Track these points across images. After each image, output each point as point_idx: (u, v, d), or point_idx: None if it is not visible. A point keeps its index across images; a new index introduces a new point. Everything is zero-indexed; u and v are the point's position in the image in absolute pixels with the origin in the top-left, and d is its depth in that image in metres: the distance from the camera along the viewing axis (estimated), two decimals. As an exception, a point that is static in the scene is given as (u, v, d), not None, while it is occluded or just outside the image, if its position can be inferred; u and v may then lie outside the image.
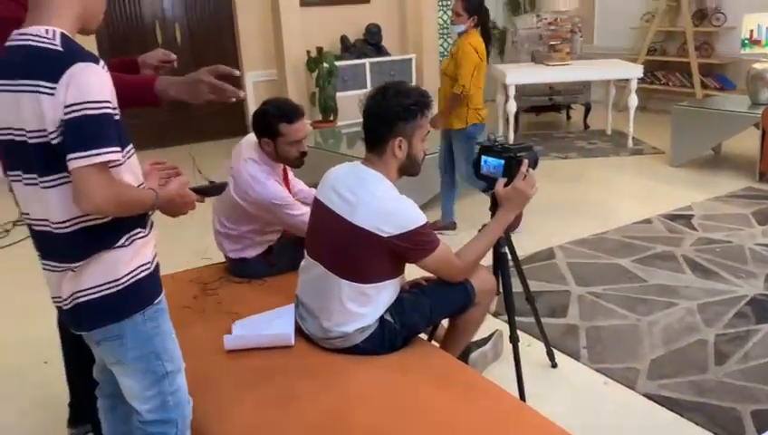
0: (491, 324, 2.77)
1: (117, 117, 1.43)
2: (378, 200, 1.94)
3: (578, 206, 4.65)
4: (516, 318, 2.70)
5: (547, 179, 5.21)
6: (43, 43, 1.36)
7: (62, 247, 1.46)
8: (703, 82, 7.02)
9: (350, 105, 7.23)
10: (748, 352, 2.67)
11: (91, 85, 1.34)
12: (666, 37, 7.60)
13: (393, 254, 1.98)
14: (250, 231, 2.62)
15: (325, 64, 6.84)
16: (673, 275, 3.42)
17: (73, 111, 1.32)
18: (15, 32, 1.40)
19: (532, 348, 2.78)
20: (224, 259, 2.74)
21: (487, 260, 2.26)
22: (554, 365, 2.65)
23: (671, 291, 3.24)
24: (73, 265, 1.46)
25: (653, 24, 7.30)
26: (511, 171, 2.13)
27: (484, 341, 2.63)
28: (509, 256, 2.34)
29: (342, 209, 1.96)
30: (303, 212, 2.48)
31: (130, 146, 1.52)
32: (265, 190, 2.49)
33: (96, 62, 1.38)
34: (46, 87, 1.33)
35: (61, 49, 1.35)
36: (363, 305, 2.00)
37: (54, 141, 1.36)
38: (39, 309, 2.52)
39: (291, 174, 2.82)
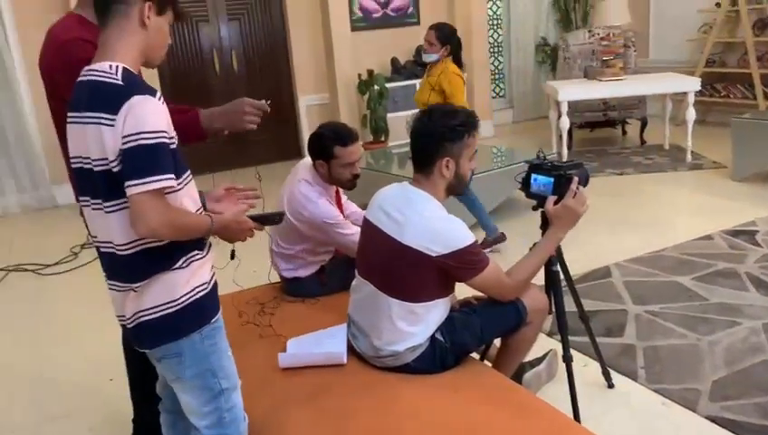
0: (545, 344, 2.75)
1: (173, 146, 1.51)
2: (426, 220, 1.97)
3: (635, 222, 4.56)
4: (571, 338, 2.67)
5: (603, 196, 5.14)
6: (105, 77, 1.46)
7: (124, 268, 1.54)
8: (765, 92, 6.79)
9: (401, 126, 7.29)
10: (818, 373, 2.56)
11: (147, 116, 1.43)
12: (725, 48, 7.40)
13: (442, 273, 1.99)
14: (303, 251, 2.69)
15: (376, 86, 6.95)
16: (736, 293, 3.30)
17: (130, 141, 1.41)
18: (85, 68, 1.52)
19: (587, 368, 2.73)
20: (278, 279, 2.82)
21: (539, 279, 2.25)
22: (611, 385, 2.60)
23: (734, 310, 3.13)
24: (134, 285, 1.54)
25: (711, 35, 7.13)
26: (561, 189, 2.12)
27: (538, 360, 2.60)
28: (561, 275, 2.32)
29: (391, 229, 2.00)
30: (354, 232, 2.54)
31: (188, 173, 1.60)
32: (317, 209, 2.57)
33: (153, 94, 1.47)
34: (107, 118, 1.43)
35: (121, 83, 1.45)
36: (413, 324, 2.02)
37: (115, 169, 1.45)
38: (105, 328, 2.65)
39: (344, 197, 2.89)
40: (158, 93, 1.50)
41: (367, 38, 7.47)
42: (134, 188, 1.41)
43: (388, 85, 7.14)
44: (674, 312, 3.16)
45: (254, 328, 2.43)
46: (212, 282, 1.65)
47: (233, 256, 1.85)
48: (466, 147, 2.02)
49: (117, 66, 1.47)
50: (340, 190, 2.83)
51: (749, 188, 5.07)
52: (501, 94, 8.89)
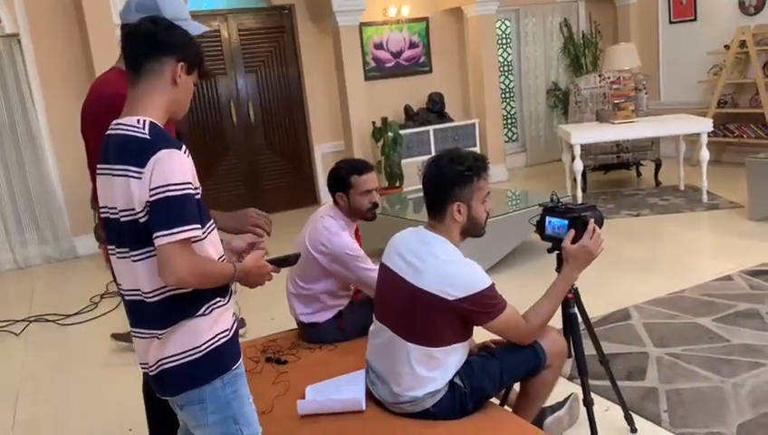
0: (566, 388, 2.71)
1: (198, 196, 1.56)
2: (443, 264, 1.99)
3: (653, 264, 4.53)
4: (592, 381, 2.65)
5: (619, 238, 5.12)
6: (133, 131, 1.53)
7: (149, 316, 1.57)
8: (779, 132, 6.80)
9: (415, 171, 7.39)
10: None
11: (174, 169, 1.48)
12: (736, 89, 7.45)
13: (460, 317, 2.00)
14: (323, 292, 2.71)
15: (390, 133, 7.06)
16: (758, 334, 3.25)
17: (158, 193, 1.47)
18: (114, 122, 1.59)
19: (609, 412, 2.69)
20: (295, 325, 2.83)
21: (557, 322, 2.25)
22: (634, 430, 2.56)
23: (757, 351, 3.09)
24: (159, 332, 1.57)
25: (721, 76, 7.19)
26: (576, 231, 2.14)
27: (560, 405, 2.57)
28: (579, 317, 2.32)
29: (408, 274, 2.02)
30: (374, 268, 2.57)
31: (211, 222, 1.65)
32: (340, 240, 2.64)
33: (179, 148, 1.53)
34: (134, 171, 1.49)
35: (148, 137, 1.51)
36: (432, 369, 2.02)
37: (142, 220, 1.50)
38: (125, 377, 2.66)
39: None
40: (184, 147, 1.56)
41: (380, 87, 7.63)
42: (162, 238, 1.46)
43: (401, 132, 7.25)
44: (696, 354, 3.12)
45: (272, 375, 2.43)
46: (233, 328, 1.68)
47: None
48: (477, 190, 2.05)
49: (145, 121, 1.54)
50: (359, 231, 2.89)
51: (766, 227, 5.03)
52: (514, 139, 8.97)
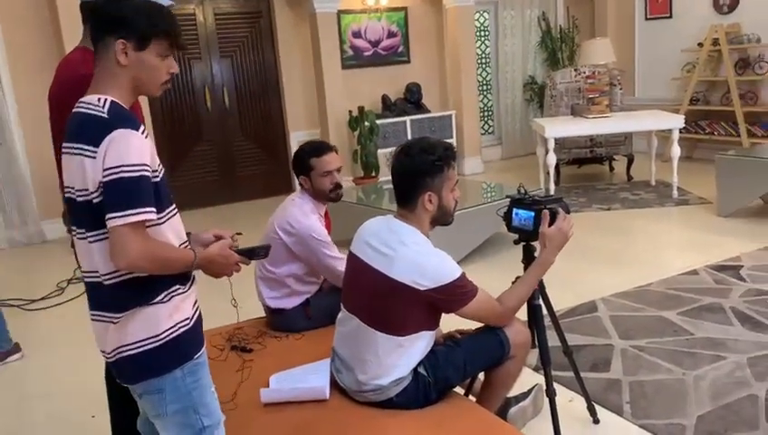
0: (530, 379, 2.74)
1: (156, 179, 1.51)
2: (414, 253, 1.98)
3: (621, 257, 4.59)
4: (556, 372, 2.69)
5: (590, 231, 5.17)
6: (92, 110, 1.49)
7: (106, 298, 1.55)
8: (749, 130, 6.92)
9: (385, 161, 7.39)
10: (802, 408, 2.56)
11: (129, 150, 1.44)
12: (708, 87, 7.56)
13: (430, 306, 2.01)
14: (288, 275, 2.70)
15: (366, 123, 7.04)
16: (721, 328, 3.31)
17: (111, 174, 1.42)
18: (79, 100, 1.54)
19: (573, 403, 2.72)
20: (263, 314, 2.82)
21: (521, 314, 2.26)
22: (596, 421, 2.59)
23: (719, 344, 3.14)
24: (114, 316, 1.54)
25: (695, 74, 7.28)
26: (540, 223, 2.15)
27: (524, 395, 2.59)
28: (543, 309, 2.33)
29: (379, 263, 2.01)
30: (340, 257, 2.59)
31: (173, 207, 1.60)
32: (307, 221, 2.64)
33: (136, 127, 1.48)
34: (89, 150, 1.45)
35: (106, 116, 1.47)
36: (398, 357, 2.02)
37: (95, 201, 1.46)
38: (88, 364, 2.62)
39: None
40: (142, 127, 1.52)
41: (358, 75, 7.60)
42: (114, 220, 1.42)
43: (378, 122, 7.23)
44: (660, 347, 3.16)
45: (237, 364, 2.41)
46: (195, 317, 1.65)
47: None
48: (447, 179, 2.05)
49: (105, 99, 1.49)
50: (329, 217, 2.88)
51: (734, 223, 5.13)
52: (490, 131, 9.00)
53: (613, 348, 3.19)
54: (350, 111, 7.14)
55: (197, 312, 1.68)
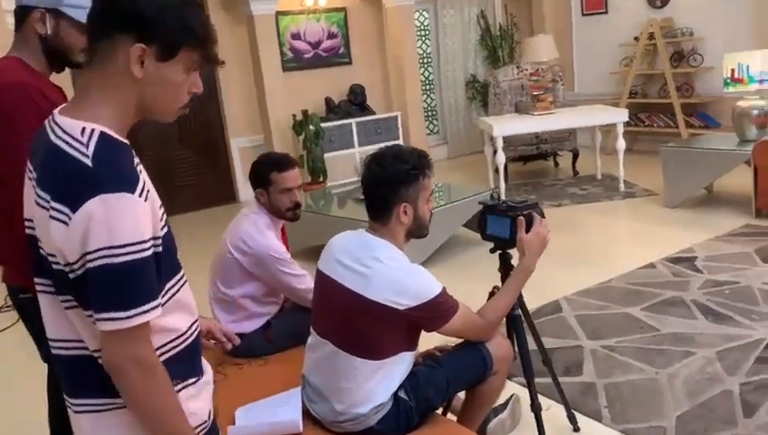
0: (507, 389, 2.63)
1: (159, 249, 1.11)
2: (391, 271, 1.84)
3: (578, 254, 4.57)
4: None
5: (543, 229, 5.16)
6: (72, 148, 1.06)
7: (95, 376, 1.15)
8: (687, 121, 7.08)
9: (339, 165, 7.24)
10: (777, 401, 2.55)
11: (121, 224, 1.03)
12: (646, 80, 7.71)
13: (410, 325, 1.87)
14: (245, 297, 2.51)
15: (311, 127, 6.86)
16: (686, 322, 3.31)
17: (96, 259, 1.03)
18: (55, 115, 1.13)
19: (551, 411, 2.63)
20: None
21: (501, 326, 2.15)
22: (576, 429, 2.51)
23: (687, 339, 3.13)
24: (109, 402, 1.15)
25: (632, 68, 7.41)
26: (516, 229, 2.05)
27: (502, 407, 2.49)
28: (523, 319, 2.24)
29: (353, 283, 1.85)
30: (301, 274, 2.44)
31: (181, 274, 1.20)
32: (264, 239, 2.45)
33: (131, 186, 1.06)
34: (60, 211, 1.04)
35: (89, 164, 1.05)
36: (378, 382, 1.88)
37: (70, 276, 1.07)
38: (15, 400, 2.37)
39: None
40: (141, 182, 1.09)
41: (299, 78, 7.40)
42: (102, 324, 1.05)
43: (323, 125, 7.06)
44: (629, 345, 3.13)
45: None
46: (211, 421, 1.27)
47: None
48: (423, 189, 1.92)
49: (92, 132, 1.08)
50: (286, 232, 2.71)
51: (682, 214, 5.20)
52: (435, 131, 8.96)
53: (583, 349, 3.14)
54: (294, 116, 6.94)
55: (212, 415, 1.28)
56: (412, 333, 1.91)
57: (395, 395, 1.91)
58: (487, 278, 2.28)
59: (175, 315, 1.18)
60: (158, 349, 1.14)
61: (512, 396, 2.56)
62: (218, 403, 2.11)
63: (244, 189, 7.23)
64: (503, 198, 2.16)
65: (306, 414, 1.99)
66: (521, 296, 2.23)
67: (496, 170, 6.11)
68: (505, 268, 2.15)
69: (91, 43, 1.14)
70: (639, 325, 3.33)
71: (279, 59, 7.12)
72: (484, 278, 2.37)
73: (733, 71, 5.06)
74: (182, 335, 1.20)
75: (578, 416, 2.57)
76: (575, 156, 6.97)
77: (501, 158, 5.92)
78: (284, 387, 2.13)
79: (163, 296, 1.13)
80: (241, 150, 7.33)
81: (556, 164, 7.50)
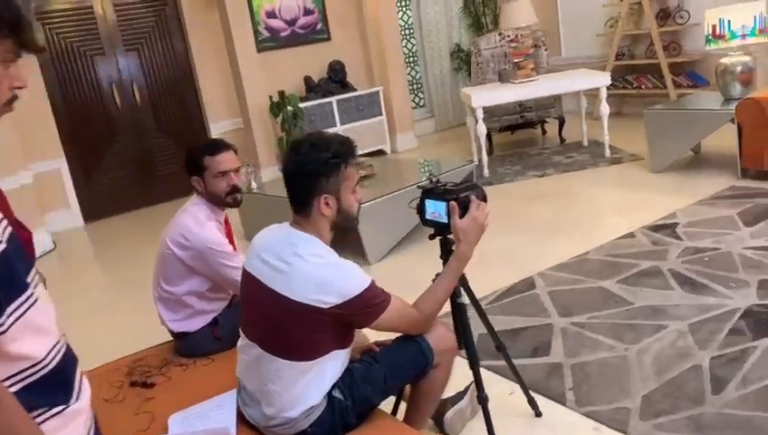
0: (467, 374, 2.54)
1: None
2: (314, 268, 1.73)
3: (558, 226, 4.45)
4: (494, 362, 2.52)
5: (524, 200, 5.04)
6: None
7: None
8: (675, 81, 6.88)
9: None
10: (746, 374, 2.44)
11: None
12: (632, 41, 7.50)
13: (340, 323, 1.77)
14: (189, 294, 2.43)
15: (290, 107, 6.71)
16: (661, 294, 3.19)
17: None
18: None
19: (514, 396, 2.54)
20: (169, 337, 2.54)
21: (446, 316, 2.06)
22: (538, 414, 2.42)
23: (660, 312, 3.02)
24: None
25: (618, 28, 7.20)
26: (460, 208, 1.94)
27: (460, 396, 2.41)
28: (469, 306, 2.13)
29: (275, 282, 1.75)
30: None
31: (28, 294, 1.06)
32: (202, 231, 2.36)
33: None
34: None
35: None
36: (308, 384, 1.78)
37: None
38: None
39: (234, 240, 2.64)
40: None
41: (276, 58, 7.23)
42: None
43: (303, 105, 6.91)
44: (600, 321, 3.02)
45: (135, 404, 2.13)
46: None
47: None
48: (345, 179, 1.80)
49: None
50: (229, 223, 2.61)
51: (667, 178, 5.06)
52: (421, 104, 8.79)
53: (553, 328, 3.03)
54: (271, 97, 6.79)
55: None
56: (343, 331, 1.81)
57: (329, 395, 1.82)
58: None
59: (27, 341, 1.05)
60: (8, 378, 1.04)
61: (471, 383, 2.46)
62: (154, 410, 2.04)
63: (227, 175, 7.12)
64: (459, 180, 2.05)
65: (241, 418, 1.91)
66: (466, 282, 2.12)
67: (480, 142, 5.96)
68: (447, 255, 2.04)
69: None
70: (614, 299, 3.22)
71: (253, 39, 6.96)
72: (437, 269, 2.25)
73: (714, 27, 4.86)
74: (39, 363, 1.10)
75: (542, 399, 2.48)
76: (561, 123, 6.81)
77: (482, 129, 5.77)
78: (227, 388, 2.05)
79: (5, 320, 1.01)
80: (222, 135, 7.19)
81: (544, 132, 7.34)
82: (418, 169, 5.15)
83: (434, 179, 2.06)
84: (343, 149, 1.79)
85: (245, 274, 1.87)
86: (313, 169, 1.75)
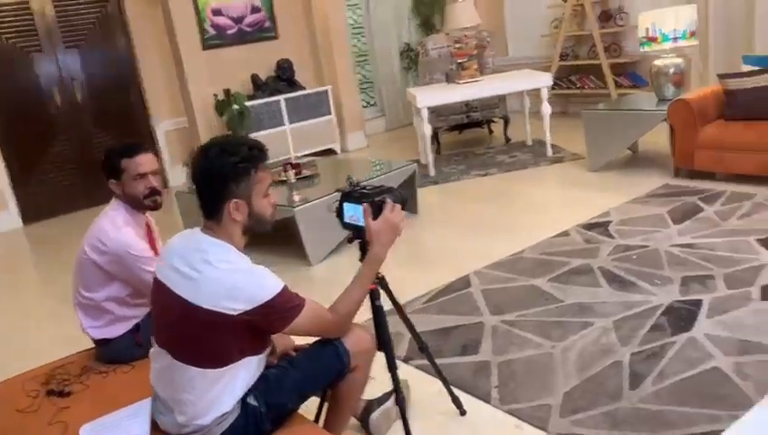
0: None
1: None
2: (223, 274, 1.71)
3: (496, 225, 4.52)
4: (424, 362, 2.53)
5: (466, 200, 5.10)
6: None
7: None
8: (616, 81, 7.05)
9: (270, 144, 6.89)
10: (663, 369, 2.53)
11: None
12: (576, 42, 7.65)
13: (252, 329, 1.76)
14: (109, 300, 2.39)
15: (235, 106, 6.64)
16: (589, 291, 3.28)
17: None
18: None
19: (441, 394, 2.57)
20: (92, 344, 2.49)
21: (362, 318, 2.07)
22: (463, 413, 2.45)
23: (587, 309, 3.10)
24: None
25: (562, 29, 7.33)
26: (373, 211, 1.96)
27: (387, 396, 2.42)
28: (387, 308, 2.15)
29: (183, 289, 1.73)
30: None
31: None
32: (120, 235, 2.32)
33: None
34: None
35: None
36: (219, 392, 1.77)
37: None
38: None
39: (159, 243, 2.60)
40: None
41: (222, 56, 7.14)
42: None
43: (250, 103, 6.85)
44: (530, 319, 3.08)
45: (50, 413, 2.09)
46: None
47: None
48: (256, 183, 1.79)
49: None
50: (152, 228, 2.57)
51: (606, 177, 5.18)
52: (372, 103, 8.80)
53: (483, 326, 3.08)
54: (215, 95, 6.71)
55: None
56: (256, 337, 1.80)
57: (243, 402, 1.81)
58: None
59: None
60: None
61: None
62: (69, 419, 2.00)
63: (173, 174, 7.01)
64: (375, 184, 2.07)
65: (155, 427, 1.89)
66: (386, 284, 2.14)
67: (425, 142, 5.99)
68: (367, 252, 2.04)
69: None
70: (544, 297, 3.29)
71: (198, 36, 6.87)
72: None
73: (647, 29, 5.00)
74: None
75: (467, 398, 2.52)
76: (506, 122, 6.90)
77: (427, 129, 5.80)
78: (145, 396, 2.01)
79: None
80: (167, 134, 7.11)
81: (490, 132, 7.43)
82: (368, 169, 5.10)
83: (352, 182, 2.07)
84: (253, 154, 1.78)
85: (156, 281, 1.85)
86: (222, 174, 1.74)
